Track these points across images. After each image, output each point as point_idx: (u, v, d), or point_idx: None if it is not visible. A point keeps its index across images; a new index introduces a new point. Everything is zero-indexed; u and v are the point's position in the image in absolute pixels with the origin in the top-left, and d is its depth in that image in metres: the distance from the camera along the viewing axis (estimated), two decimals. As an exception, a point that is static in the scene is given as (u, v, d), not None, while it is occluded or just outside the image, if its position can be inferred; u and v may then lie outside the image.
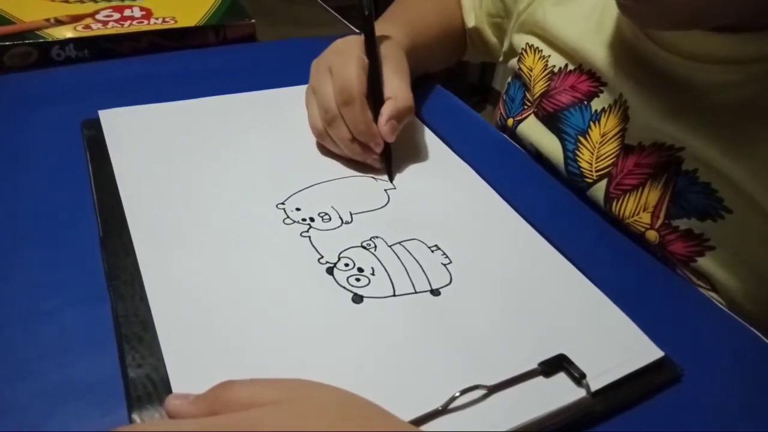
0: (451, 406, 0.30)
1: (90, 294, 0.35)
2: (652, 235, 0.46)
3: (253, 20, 0.69)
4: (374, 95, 0.46)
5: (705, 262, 0.43)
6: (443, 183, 0.48)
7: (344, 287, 0.37)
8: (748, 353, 0.38)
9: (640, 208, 0.46)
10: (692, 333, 0.38)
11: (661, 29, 0.45)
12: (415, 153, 0.51)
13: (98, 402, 0.30)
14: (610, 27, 0.50)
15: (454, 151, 0.51)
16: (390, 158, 0.47)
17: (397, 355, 0.33)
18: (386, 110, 0.46)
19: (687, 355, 0.35)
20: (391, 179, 0.47)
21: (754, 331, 0.39)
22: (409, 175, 0.48)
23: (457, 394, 0.30)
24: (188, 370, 0.31)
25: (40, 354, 0.32)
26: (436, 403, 0.30)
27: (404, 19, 0.59)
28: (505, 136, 0.58)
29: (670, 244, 0.45)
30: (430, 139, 0.53)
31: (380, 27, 0.51)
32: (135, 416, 0.29)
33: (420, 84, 0.61)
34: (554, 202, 0.49)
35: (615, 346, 0.35)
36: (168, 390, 0.30)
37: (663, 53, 0.45)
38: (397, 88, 0.46)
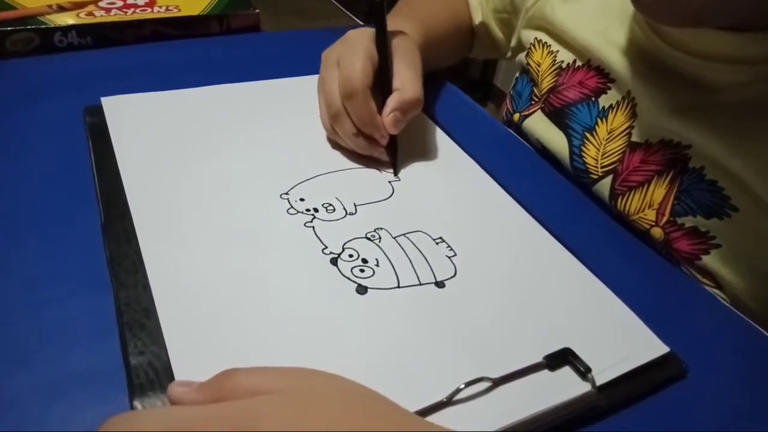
0: (456, 398, 0.30)
1: (92, 282, 0.35)
2: (657, 232, 0.45)
3: (257, 10, 0.69)
4: (383, 87, 0.46)
5: (710, 260, 0.43)
6: (448, 176, 0.47)
7: (348, 278, 0.37)
8: (752, 350, 0.37)
9: (645, 205, 0.46)
10: (697, 330, 0.38)
11: (673, 25, 0.44)
12: (420, 146, 0.50)
13: (100, 390, 0.30)
14: (619, 24, 0.50)
15: (459, 145, 0.51)
16: (396, 151, 0.47)
17: (402, 347, 0.33)
18: (391, 101, 0.45)
19: (691, 351, 0.35)
20: (395, 172, 0.47)
21: (759, 328, 0.39)
22: (414, 168, 0.47)
23: (462, 386, 0.30)
24: (190, 358, 0.31)
25: (41, 343, 0.32)
26: (441, 395, 0.30)
27: (416, 15, 0.59)
28: (510, 131, 0.58)
29: (675, 241, 0.45)
30: (435, 132, 0.52)
31: (392, 21, 0.50)
32: (137, 403, 0.29)
33: (425, 79, 0.61)
34: (559, 197, 0.49)
35: (620, 341, 0.35)
36: (170, 378, 0.30)
37: (672, 51, 0.45)
38: (405, 80, 0.46)
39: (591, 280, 0.39)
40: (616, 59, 0.49)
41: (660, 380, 0.34)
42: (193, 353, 0.31)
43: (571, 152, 0.52)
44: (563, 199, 0.48)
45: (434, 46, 0.57)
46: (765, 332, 0.38)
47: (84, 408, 0.29)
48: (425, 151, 0.50)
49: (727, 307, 0.41)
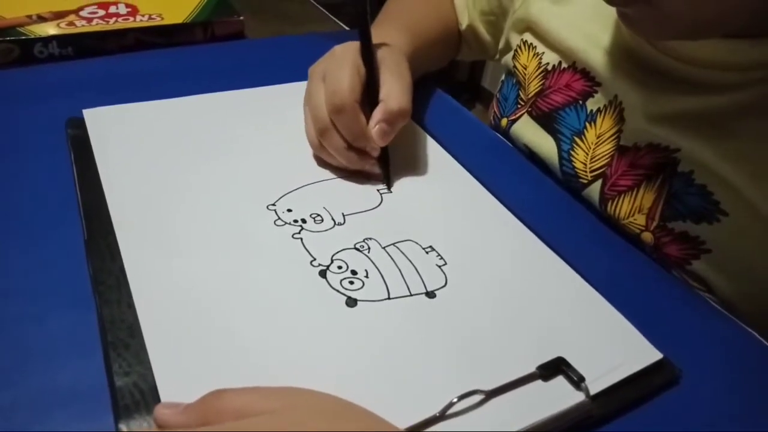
0: (449, 412, 0.29)
1: (75, 299, 0.34)
2: (647, 237, 0.45)
3: (241, 17, 0.68)
4: (371, 100, 0.45)
5: (700, 265, 0.43)
6: (437, 183, 0.47)
7: (338, 290, 0.36)
8: (746, 354, 0.37)
9: (635, 209, 0.46)
10: (690, 334, 0.38)
11: (662, 39, 0.44)
12: (408, 152, 0.50)
13: (84, 411, 0.29)
14: (607, 28, 0.49)
15: (447, 150, 0.51)
16: (388, 164, 0.46)
17: (393, 361, 0.32)
18: (377, 113, 0.44)
19: (685, 356, 0.35)
20: (389, 186, 0.46)
21: (752, 332, 0.38)
22: (403, 175, 0.47)
23: (455, 399, 0.30)
24: (177, 378, 0.30)
25: (22, 361, 0.31)
26: (434, 410, 0.29)
27: (403, 22, 0.58)
28: (499, 135, 0.58)
29: (665, 246, 0.44)
30: (423, 138, 0.52)
31: (379, 31, 0.49)
32: (122, 426, 0.28)
33: (413, 84, 0.61)
34: (550, 202, 0.48)
35: (613, 348, 0.34)
36: (156, 399, 0.29)
37: (661, 57, 0.45)
38: (391, 91, 0.45)
39: (583, 287, 0.38)
40: (602, 63, 0.49)
41: (654, 386, 0.34)
42: (179, 373, 0.30)
43: (560, 156, 0.52)
44: (553, 205, 0.48)
45: (423, 53, 0.56)
46: (758, 335, 0.38)
47: (67, 429, 0.29)
48: (414, 158, 0.49)
49: (720, 311, 0.40)
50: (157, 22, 0.63)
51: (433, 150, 0.51)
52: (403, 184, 0.46)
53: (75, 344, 0.32)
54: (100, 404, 0.29)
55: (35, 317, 0.33)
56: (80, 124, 0.47)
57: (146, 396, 0.29)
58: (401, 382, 0.31)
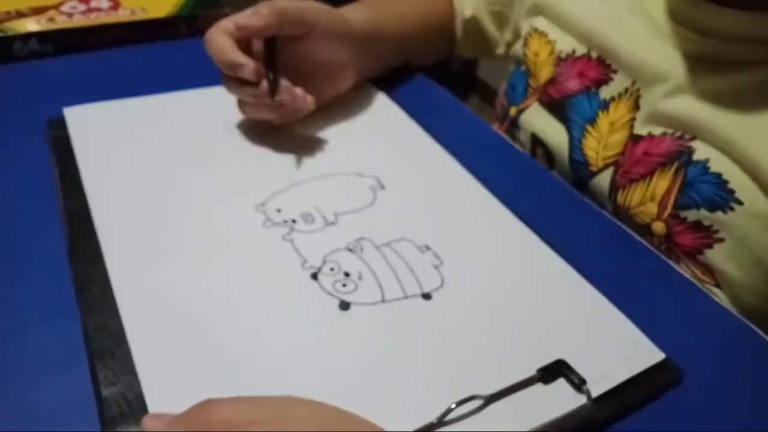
0: (447, 418, 0.29)
1: (58, 308, 0.33)
2: (658, 226, 0.45)
3: (226, 10, 0.67)
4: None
5: (713, 255, 0.42)
6: (431, 179, 0.46)
7: (330, 293, 0.35)
8: (750, 353, 0.36)
9: (647, 197, 0.45)
10: (693, 333, 0.37)
11: None
12: (402, 147, 0.49)
13: (71, 424, 0.29)
14: (628, 9, 0.49)
15: (442, 145, 0.49)
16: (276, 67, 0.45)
17: (388, 365, 0.31)
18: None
19: (688, 356, 0.34)
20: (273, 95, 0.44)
21: (757, 330, 0.38)
22: (396, 171, 0.46)
23: (453, 405, 0.29)
24: (165, 388, 0.29)
25: (5, 374, 0.30)
26: (431, 416, 0.28)
27: (370, 3, 0.58)
28: (497, 131, 0.57)
29: (677, 235, 0.44)
30: (417, 133, 0.51)
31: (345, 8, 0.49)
32: (109, 439, 0.27)
33: (405, 75, 0.60)
34: (549, 198, 0.47)
35: (615, 349, 0.34)
36: (144, 409, 0.28)
37: (685, 32, 0.45)
38: None
39: (583, 286, 0.37)
40: (622, 45, 0.48)
41: (656, 387, 0.33)
42: (167, 382, 0.29)
43: (571, 144, 0.51)
44: (553, 201, 0.47)
45: (390, 34, 0.56)
46: (762, 333, 0.38)
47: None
48: (408, 154, 0.48)
49: (724, 309, 0.39)
50: (140, 16, 0.62)
51: (427, 145, 0.50)
52: (397, 181, 0.45)
53: (60, 355, 0.31)
54: (87, 415, 0.29)
55: (18, 328, 0.32)
56: (61, 125, 0.46)
57: (133, 406, 0.28)
58: (397, 387, 0.30)
